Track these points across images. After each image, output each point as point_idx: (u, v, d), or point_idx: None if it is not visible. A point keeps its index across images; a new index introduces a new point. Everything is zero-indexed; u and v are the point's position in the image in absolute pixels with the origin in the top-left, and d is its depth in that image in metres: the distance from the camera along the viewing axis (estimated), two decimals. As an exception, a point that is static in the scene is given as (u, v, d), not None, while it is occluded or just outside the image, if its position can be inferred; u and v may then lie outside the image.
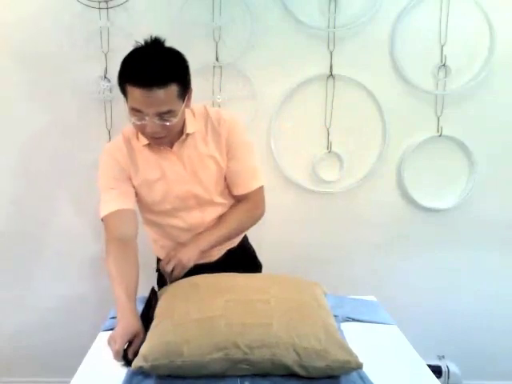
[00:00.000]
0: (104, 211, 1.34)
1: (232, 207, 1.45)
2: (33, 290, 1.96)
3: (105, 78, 1.77)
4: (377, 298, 1.46)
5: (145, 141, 1.32)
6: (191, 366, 1.00)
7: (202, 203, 1.40)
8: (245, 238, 1.58)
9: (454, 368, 1.99)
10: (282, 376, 1.01)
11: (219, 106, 1.80)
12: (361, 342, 1.16)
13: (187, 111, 1.34)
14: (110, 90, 1.77)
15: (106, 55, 1.76)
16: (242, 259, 1.54)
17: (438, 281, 1.98)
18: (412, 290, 1.97)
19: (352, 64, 1.79)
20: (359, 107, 1.83)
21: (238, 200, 1.45)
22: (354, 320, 1.29)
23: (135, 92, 1.16)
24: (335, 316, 1.27)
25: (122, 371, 1.04)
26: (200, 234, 1.40)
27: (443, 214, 1.94)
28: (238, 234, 1.49)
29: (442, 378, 1.97)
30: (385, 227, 1.93)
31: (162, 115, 1.19)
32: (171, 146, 1.34)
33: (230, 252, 1.51)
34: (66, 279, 1.95)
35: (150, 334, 1.10)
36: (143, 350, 1.03)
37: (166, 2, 1.74)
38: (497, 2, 1.76)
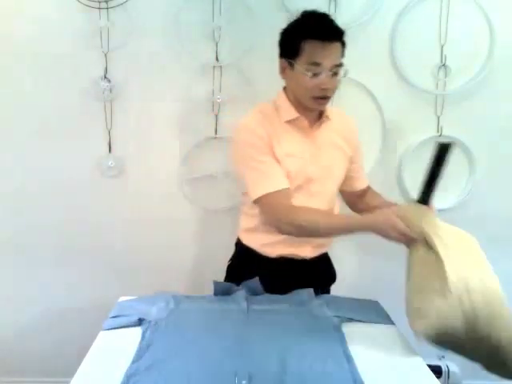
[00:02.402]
0: (272, 186, 1.31)
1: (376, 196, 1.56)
2: (33, 290, 1.97)
3: (105, 77, 1.77)
4: (377, 299, 1.46)
5: (287, 117, 1.38)
6: None
7: (324, 194, 1.44)
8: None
9: (454, 368, 1.99)
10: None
11: (219, 106, 1.81)
12: (361, 342, 1.16)
13: None
14: (110, 90, 1.77)
15: (106, 55, 1.76)
16: (326, 267, 1.57)
17: (438, 281, 1.98)
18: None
19: (352, 64, 1.79)
20: (359, 107, 1.83)
21: (353, 196, 1.57)
22: (354, 320, 1.29)
23: (317, 46, 1.27)
24: (334, 316, 1.27)
25: (121, 371, 1.04)
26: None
27: (443, 214, 1.92)
28: None
29: (442, 378, 1.97)
30: (385, 227, 1.93)
31: (335, 68, 1.30)
32: (312, 127, 1.41)
33: (321, 255, 1.52)
34: (66, 279, 1.95)
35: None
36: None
37: (166, 2, 1.74)
38: (497, 2, 1.76)
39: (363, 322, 1.29)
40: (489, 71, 1.79)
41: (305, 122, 1.39)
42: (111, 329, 1.23)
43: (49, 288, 1.96)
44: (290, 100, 1.39)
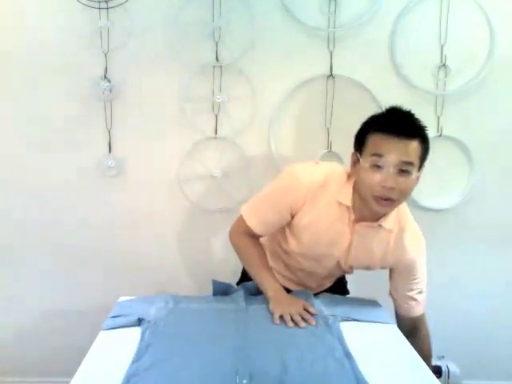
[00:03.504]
0: (249, 220, 1.38)
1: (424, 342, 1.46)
2: (32, 290, 1.96)
3: (105, 77, 1.77)
4: (377, 299, 1.46)
5: (343, 199, 1.28)
6: None
7: (338, 268, 1.41)
8: None
9: (454, 368, 1.98)
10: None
11: (219, 106, 1.81)
12: (361, 341, 1.16)
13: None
14: (110, 90, 1.77)
15: (106, 55, 1.76)
16: (336, 287, 1.58)
17: (438, 280, 1.98)
18: (412, 290, 1.96)
19: (352, 64, 1.79)
20: (359, 107, 1.83)
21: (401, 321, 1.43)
22: (353, 320, 1.29)
23: (382, 138, 1.17)
24: (333, 316, 1.27)
25: (121, 371, 1.04)
26: None
27: (443, 214, 1.94)
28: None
29: (442, 378, 1.96)
30: (385, 227, 1.93)
31: (404, 165, 1.17)
32: (356, 222, 1.30)
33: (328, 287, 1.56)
34: (65, 279, 1.95)
35: None
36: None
37: (166, 2, 1.74)
38: (497, 2, 1.76)
39: (362, 321, 1.29)
40: (489, 71, 1.79)
41: (352, 216, 1.30)
42: (111, 329, 1.23)
43: (49, 288, 1.96)
44: (354, 188, 1.28)
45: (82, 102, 1.80)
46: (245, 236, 1.41)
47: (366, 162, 1.20)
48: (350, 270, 1.43)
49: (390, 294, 1.44)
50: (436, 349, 2.01)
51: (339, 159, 1.87)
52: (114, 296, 1.42)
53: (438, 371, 1.95)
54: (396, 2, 1.75)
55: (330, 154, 1.85)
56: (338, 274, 1.51)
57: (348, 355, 1.10)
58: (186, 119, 1.82)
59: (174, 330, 1.20)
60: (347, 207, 1.29)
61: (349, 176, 1.32)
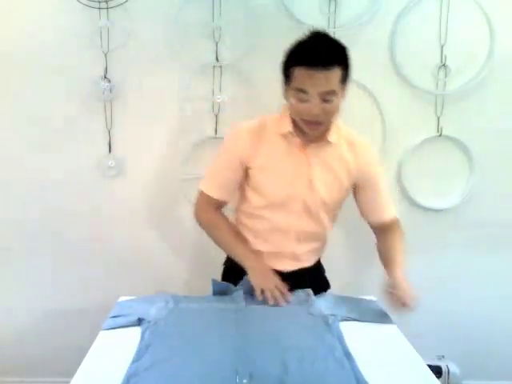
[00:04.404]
0: (207, 189, 1.46)
1: (394, 241, 1.48)
2: (32, 290, 1.97)
3: (105, 77, 1.77)
4: (376, 298, 1.46)
5: (283, 129, 1.37)
6: None
7: (306, 211, 1.42)
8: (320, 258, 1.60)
9: (454, 368, 1.99)
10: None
11: (219, 106, 1.81)
12: (361, 341, 1.16)
13: (335, 123, 1.38)
14: (110, 90, 1.77)
15: (106, 55, 1.76)
16: (316, 277, 1.56)
17: (438, 280, 1.98)
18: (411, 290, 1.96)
19: (352, 64, 1.79)
20: (359, 107, 1.83)
21: (373, 228, 1.51)
22: (353, 320, 1.29)
23: (303, 73, 1.23)
24: (333, 315, 1.27)
25: (121, 371, 1.04)
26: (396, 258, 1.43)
27: (443, 214, 1.94)
28: None
29: (442, 378, 1.96)
30: (385, 227, 1.93)
31: (326, 95, 1.25)
32: (306, 147, 1.38)
33: (304, 269, 1.52)
34: (65, 279, 1.95)
35: None
36: None
37: (166, 2, 1.74)
38: (497, 2, 1.76)
39: (362, 321, 1.29)
40: (489, 71, 1.79)
41: (297, 140, 1.37)
42: (111, 329, 1.23)
43: (49, 288, 1.96)
44: (291, 116, 1.37)
45: (82, 102, 1.80)
46: (209, 210, 1.47)
47: (292, 94, 1.29)
48: (323, 209, 1.43)
49: (362, 215, 1.51)
50: (436, 349, 2.03)
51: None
52: (114, 296, 1.42)
53: (438, 371, 1.96)
54: (396, 2, 1.75)
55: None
56: (314, 231, 1.48)
57: (348, 355, 1.10)
58: (186, 119, 1.83)
59: (174, 329, 1.20)
60: (290, 133, 1.37)
61: (282, 111, 1.41)
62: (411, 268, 1.97)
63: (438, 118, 1.85)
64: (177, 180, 1.87)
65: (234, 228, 1.50)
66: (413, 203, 1.91)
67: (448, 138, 1.86)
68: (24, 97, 1.80)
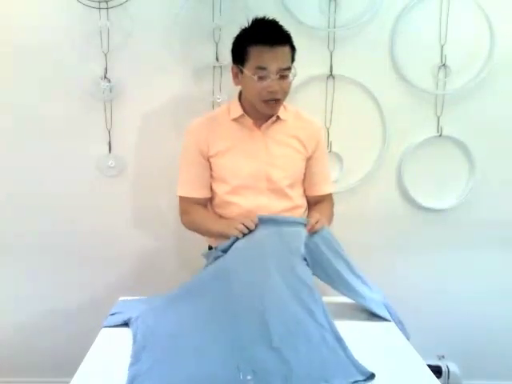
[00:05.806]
0: (182, 192, 1.53)
1: (323, 207, 1.55)
2: (33, 290, 1.96)
3: (105, 77, 1.77)
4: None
5: (235, 114, 1.46)
6: None
7: (272, 189, 1.47)
8: None
9: (454, 368, 1.99)
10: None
11: (219, 106, 1.80)
12: (360, 341, 1.16)
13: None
14: (110, 90, 1.77)
15: (106, 55, 1.76)
16: None
17: (438, 280, 1.98)
18: (412, 290, 1.96)
19: (352, 64, 1.79)
20: (359, 107, 1.83)
21: (309, 201, 1.58)
22: (352, 319, 1.29)
23: (262, 50, 1.32)
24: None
25: (122, 371, 1.04)
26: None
27: (443, 214, 1.94)
28: None
29: (442, 378, 1.97)
30: (384, 227, 1.93)
31: (283, 71, 1.34)
32: (259, 126, 1.46)
33: None
34: (65, 279, 1.95)
35: None
36: None
37: (166, 2, 1.74)
38: (497, 2, 1.76)
39: (362, 320, 1.29)
40: (489, 71, 1.79)
41: (249, 121, 1.45)
42: (111, 326, 1.23)
43: (49, 288, 1.96)
44: (240, 101, 1.47)
45: (82, 102, 1.80)
46: (187, 211, 1.54)
47: (251, 73, 1.35)
48: (287, 183, 1.48)
49: (305, 193, 1.57)
50: (436, 349, 2.03)
51: (339, 159, 1.87)
52: (113, 296, 1.42)
53: (438, 371, 1.96)
54: (396, 1, 1.76)
55: (330, 154, 1.85)
56: (287, 209, 1.49)
57: (339, 340, 1.12)
58: (187, 119, 1.82)
59: (173, 329, 1.20)
60: (242, 116, 1.46)
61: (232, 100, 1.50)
62: (411, 268, 1.98)
63: (438, 118, 1.85)
64: (177, 180, 1.86)
65: (210, 212, 1.56)
66: (413, 203, 1.92)
67: (448, 138, 1.86)
68: (24, 96, 1.79)
